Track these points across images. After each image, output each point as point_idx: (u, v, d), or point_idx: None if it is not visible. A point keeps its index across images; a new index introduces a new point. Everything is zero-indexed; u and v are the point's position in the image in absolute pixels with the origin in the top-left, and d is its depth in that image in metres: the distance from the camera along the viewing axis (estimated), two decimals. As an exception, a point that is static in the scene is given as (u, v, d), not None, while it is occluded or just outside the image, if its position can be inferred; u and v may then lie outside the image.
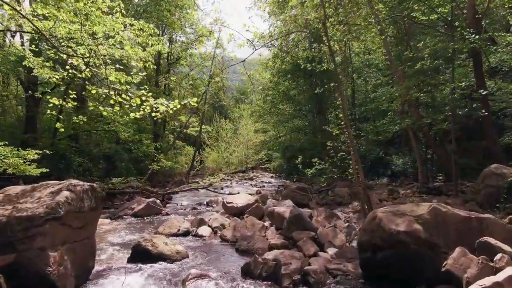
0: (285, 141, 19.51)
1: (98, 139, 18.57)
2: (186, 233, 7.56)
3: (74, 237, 4.68)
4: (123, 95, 4.55)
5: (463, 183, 11.83)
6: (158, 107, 4.81)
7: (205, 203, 13.13)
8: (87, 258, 4.99)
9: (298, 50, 15.35)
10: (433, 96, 10.06)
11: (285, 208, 7.67)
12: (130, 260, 5.68)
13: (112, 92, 4.55)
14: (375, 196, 10.22)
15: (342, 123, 6.86)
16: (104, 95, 4.75)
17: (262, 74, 21.49)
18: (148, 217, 9.71)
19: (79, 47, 5.32)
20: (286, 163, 19.83)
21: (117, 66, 4.84)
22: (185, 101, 4.68)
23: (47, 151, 8.42)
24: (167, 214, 10.26)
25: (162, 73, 23.55)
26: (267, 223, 8.07)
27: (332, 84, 7.64)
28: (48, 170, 8.31)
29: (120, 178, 14.20)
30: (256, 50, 5.90)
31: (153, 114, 4.88)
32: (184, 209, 11.85)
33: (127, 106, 4.71)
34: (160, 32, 23.13)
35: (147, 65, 5.58)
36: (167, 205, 13.06)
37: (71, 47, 5.39)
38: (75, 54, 4.69)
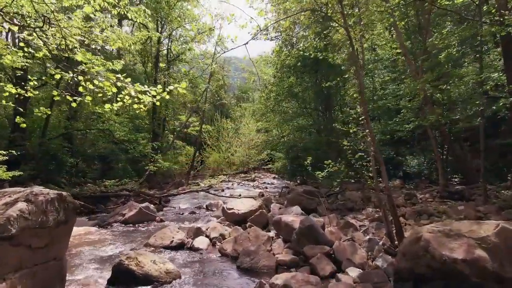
0: (289, 140, 18.51)
1: (93, 139, 17.65)
2: (180, 246, 6.60)
3: (34, 259, 3.73)
4: (95, 81, 3.59)
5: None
6: (141, 97, 3.86)
7: (204, 206, 12.26)
8: (53, 283, 4.04)
9: (305, 40, 14.37)
10: (453, 90, 9.06)
11: (293, 216, 6.71)
12: (110, 282, 4.73)
13: (81, 78, 3.57)
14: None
15: (360, 118, 5.89)
16: (69, 80, 3.78)
17: (264, 70, 20.50)
18: (140, 225, 8.76)
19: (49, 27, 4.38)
20: (289, 164, 18.83)
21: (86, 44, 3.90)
22: (172, 87, 3.72)
23: (14, 152, 7.45)
24: (161, 220, 9.31)
25: (161, 71, 22.62)
26: (272, 233, 7.11)
27: (347, 75, 6.65)
28: (21, 173, 7.34)
29: (113, 180, 13.25)
30: (261, 30, 4.94)
31: (136, 106, 3.93)
32: (182, 214, 10.93)
33: (100, 95, 3.77)
34: (160, 28, 22.25)
35: (131, 47, 4.64)
36: (164, 208, 12.19)
37: (40, 27, 4.44)
38: (28, 25, 3.73)
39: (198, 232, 7.10)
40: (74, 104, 3.78)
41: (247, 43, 4.72)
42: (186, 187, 17.62)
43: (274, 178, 24.93)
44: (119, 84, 3.50)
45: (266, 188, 19.02)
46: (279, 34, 13.80)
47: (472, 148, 12.84)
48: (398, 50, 13.23)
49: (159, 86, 3.70)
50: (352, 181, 7.91)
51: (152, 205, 10.03)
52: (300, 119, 19.06)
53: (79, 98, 3.79)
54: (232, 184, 21.40)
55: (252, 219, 7.88)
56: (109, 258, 5.90)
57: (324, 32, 8.75)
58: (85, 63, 3.70)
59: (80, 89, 3.79)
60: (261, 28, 4.83)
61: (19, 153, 11.99)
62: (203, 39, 24.53)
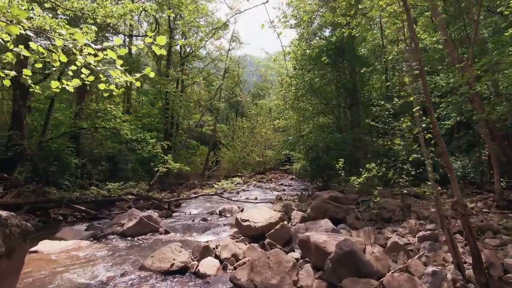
0: (309, 140, 16.99)
1: (101, 138, 16.66)
2: (182, 270, 5.28)
3: None
4: (35, 46, 2.30)
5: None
6: (113, 74, 2.58)
7: (217, 212, 11.07)
8: None
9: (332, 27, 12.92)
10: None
11: (325, 235, 5.29)
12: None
13: (6, 37, 2.22)
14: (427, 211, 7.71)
15: (414, 109, 4.44)
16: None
17: (282, 64, 19.14)
18: (140, 238, 7.50)
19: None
20: (309, 165, 17.32)
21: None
22: (141, 42, 2.39)
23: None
24: (166, 232, 8.04)
25: (174, 68, 21.54)
26: (297, 254, 5.73)
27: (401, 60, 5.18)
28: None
29: (117, 184, 12.10)
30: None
31: (102, 87, 2.63)
32: (192, 220, 9.71)
33: (39, 66, 2.50)
34: (172, 24, 21.25)
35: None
36: (174, 214, 11.03)
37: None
38: None
39: (205, 252, 5.76)
40: (6, 82, 2.52)
41: (267, 1, 3.43)
42: (198, 190, 16.46)
43: (291, 179, 23.55)
44: (58, 43, 2.17)
45: (284, 190, 17.73)
46: (300, 21, 12.39)
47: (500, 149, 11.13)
48: (430, 39, 11.61)
49: (118, 38, 2.37)
50: (405, 191, 6.41)
51: (156, 213, 8.75)
52: (322, 117, 17.58)
53: (12, 72, 2.50)
54: (248, 185, 20.17)
55: (272, 234, 6.49)
56: (93, 285, 4.65)
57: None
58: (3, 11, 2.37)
59: (8, 56, 2.50)
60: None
61: (10, 153, 11.13)
62: (217, 35, 23.45)
